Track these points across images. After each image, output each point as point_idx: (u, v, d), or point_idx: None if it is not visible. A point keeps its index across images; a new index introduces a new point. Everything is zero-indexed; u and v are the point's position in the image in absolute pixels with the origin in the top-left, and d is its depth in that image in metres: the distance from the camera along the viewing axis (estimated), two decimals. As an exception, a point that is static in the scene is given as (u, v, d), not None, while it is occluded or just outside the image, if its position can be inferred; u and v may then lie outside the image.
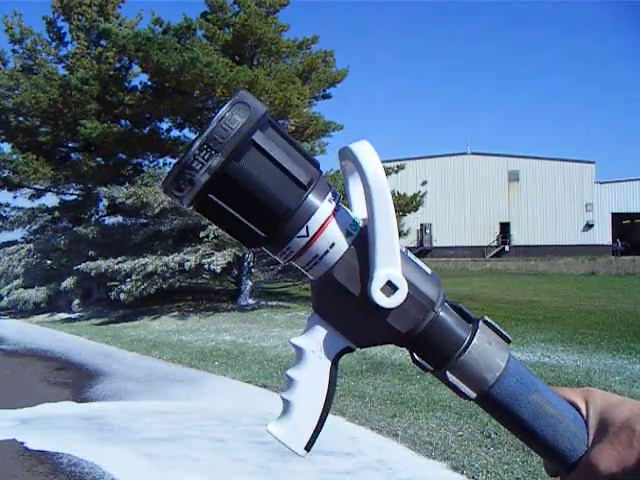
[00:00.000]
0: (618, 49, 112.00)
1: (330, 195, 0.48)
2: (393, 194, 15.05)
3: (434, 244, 38.72)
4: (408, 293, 0.46)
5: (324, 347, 0.48)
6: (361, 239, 0.47)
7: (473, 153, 39.91)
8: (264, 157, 0.44)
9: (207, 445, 4.87)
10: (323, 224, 0.47)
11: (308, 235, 0.46)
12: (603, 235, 37.36)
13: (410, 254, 0.49)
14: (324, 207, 0.47)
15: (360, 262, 0.47)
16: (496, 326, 0.50)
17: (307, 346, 0.48)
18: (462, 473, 4.00)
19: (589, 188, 37.91)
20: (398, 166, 16.05)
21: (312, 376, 0.48)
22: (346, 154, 0.48)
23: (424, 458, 4.37)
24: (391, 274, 0.46)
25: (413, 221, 27.00)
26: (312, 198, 0.46)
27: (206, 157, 0.43)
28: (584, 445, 0.47)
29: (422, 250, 38.56)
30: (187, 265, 13.07)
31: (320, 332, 0.48)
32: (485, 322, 0.50)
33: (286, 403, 0.48)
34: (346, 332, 0.48)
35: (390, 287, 0.46)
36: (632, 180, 38.36)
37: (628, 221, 40.30)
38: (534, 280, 22.23)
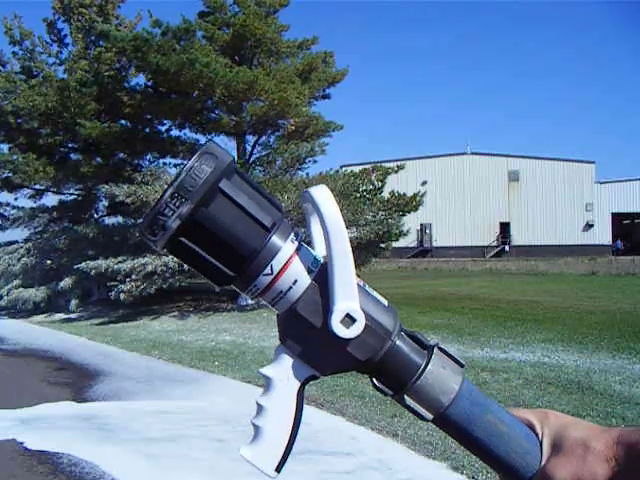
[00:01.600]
0: (618, 49, 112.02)
1: (292, 235, 0.52)
2: (393, 194, 15.06)
3: (434, 244, 38.72)
4: (366, 324, 0.50)
5: (291, 376, 0.52)
6: (322, 275, 0.51)
7: (473, 153, 39.92)
8: (230, 203, 0.48)
9: (207, 445, 4.87)
10: (286, 262, 0.50)
11: (272, 273, 0.50)
12: (603, 235, 37.36)
13: (368, 287, 0.53)
14: (287, 247, 0.50)
15: (321, 297, 0.50)
16: (449, 352, 0.54)
17: (275, 375, 0.52)
18: (462, 473, 4.00)
19: (589, 188, 37.92)
20: (398, 166, 16.03)
21: (280, 403, 0.52)
22: (306, 197, 0.52)
23: (424, 458, 4.37)
24: (350, 307, 0.49)
25: (413, 221, 27.00)
26: (275, 239, 0.50)
27: (177, 204, 0.46)
28: (537, 462, 0.50)
29: (422, 250, 38.56)
30: (186, 265, 13.06)
31: (287, 361, 0.52)
32: (439, 349, 0.54)
33: (257, 428, 0.52)
34: (311, 361, 0.52)
35: (349, 319, 0.49)
36: (632, 180, 38.36)
37: (628, 221, 40.30)
38: (534, 280, 22.22)
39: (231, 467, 4.36)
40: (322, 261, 0.52)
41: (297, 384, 0.52)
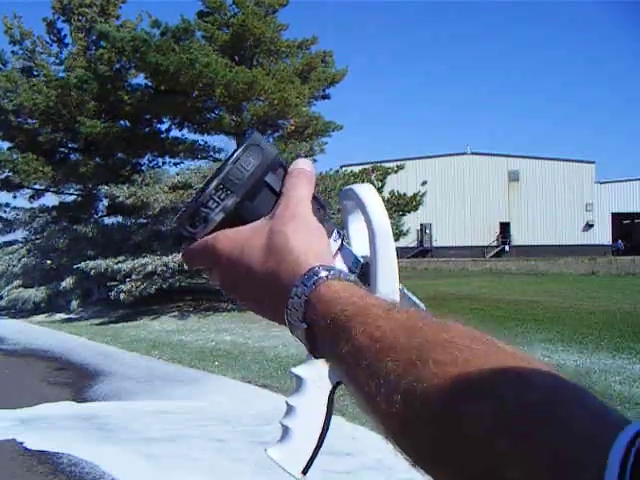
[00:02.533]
0: (619, 48, 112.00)
1: (335, 234, 0.50)
2: (393, 194, 15.05)
3: (434, 244, 38.72)
4: None
5: (324, 377, 0.50)
6: (362, 276, 0.49)
7: (473, 153, 39.93)
8: (275, 198, 0.48)
9: (207, 445, 4.87)
10: None
11: None
12: (603, 235, 37.37)
13: (407, 291, 0.52)
14: (330, 245, 0.49)
15: None
16: None
17: (308, 376, 0.51)
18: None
19: (589, 188, 37.92)
20: (398, 166, 16.04)
21: (311, 405, 0.50)
22: (349, 195, 0.51)
23: (424, 458, 4.36)
24: None
25: (413, 221, 26.99)
26: None
27: (222, 197, 0.46)
28: None
29: (422, 250, 38.56)
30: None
31: (320, 362, 0.50)
32: None
33: (285, 429, 0.50)
34: None
35: None
36: (632, 180, 38.37)
37: (628, 221, 40.30)
38: (534, 280, 22.22)
39: (231, 467, 4.36)
40: (362, 261, 0.51)
41: (329, 386, 0.51)
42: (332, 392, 0.51)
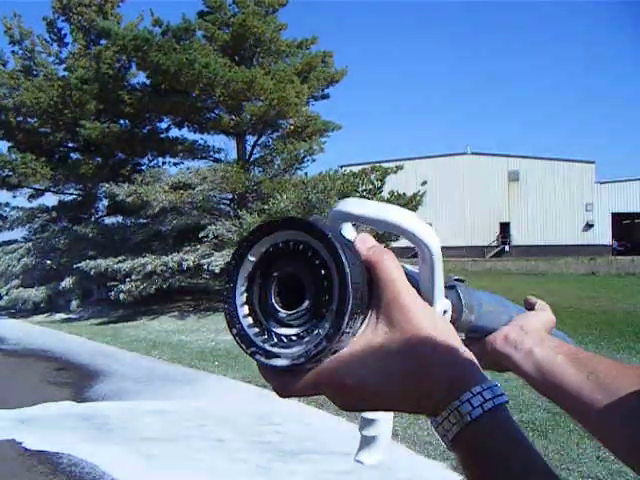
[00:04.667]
0: (618, 48, 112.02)
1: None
2: (392, 194, 15.05)
3: (434, 244, 38.65)
4: None
5: None
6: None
7: (473, 153, 39.91)
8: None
9: (207, 445, 4.87)
10: None
11: None
12: (603, 235, 37.33)
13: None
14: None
15: None
16: None
17: None
18: (462, 473, 3.99)
19: (589, 188, 37.89)
20: (397, 166, 16.04)
21: (388, 413, 0.56)
22: (390, 226, 0.46)
23: (424, 458, 4.37)
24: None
25: (413, 221, 26.86)
26: None
27: (351, 324, 0.40)
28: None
29: (422, 250, 38.46)
30: (186, 265, 13.08)
31: None
32: None
33: (371, 438, 0.57)
34: None
35: None
36: (632, 180, 38.33)
37: (628, 221, 40.29)
38: (534, 280, 22.23)
39: (231, 467, 4.36)
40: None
41: None
42: None
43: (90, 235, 15.66)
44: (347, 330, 0.39)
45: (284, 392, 0.41)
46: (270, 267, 0.41)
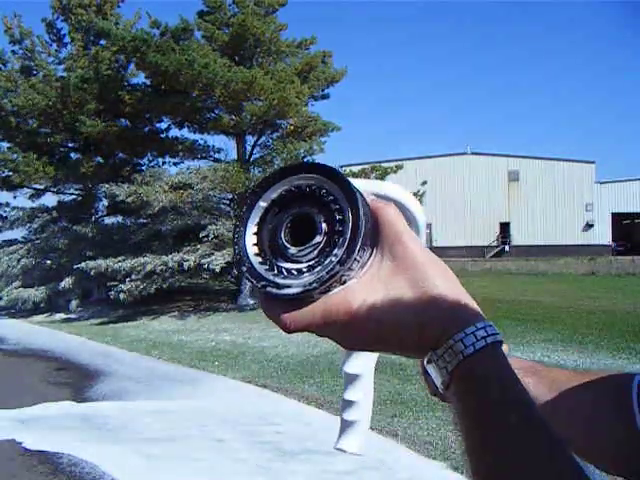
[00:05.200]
0: (619, 48, 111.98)
1: None
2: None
3: (434, 244, 38.69)
4: None
5: (372, 369, 0.56)
6: None
7: (473, 153, 39.90)
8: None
9: (207, 445, 4.87)
10: None
11: None
12: (603, 235, 37.32)
13: None
14: None
15: None
16: None
17: (361, 372, 0.56)
18: (462, 473, 4.00)
19: (589, 188, 37.88)
20: (397, 166, 16.04)
21: (368, 396, 0.57)
22: (381, 196, 0.50)
23: (424, 458, 4.37)
24: None
25: (413, 221, 26.87)
26: None
27: (361, 254, 0.43)
28: None
29: (422, 250, 38.43)
30: (186, 265, 13.08)
31: (368, 357, 0.56)
32: None
33: (350, 423, 0.58)
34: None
35: None
36: (632, 180, 38.32)
37: (628, 221, 40.29)
38: (534, 280, 22.23)
39: (231, 467, 4.36)
40: None
41: (372, 373, 0.57)
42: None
43: (90, 235, 15.67)
44: (357, 258, 0.41)
45: (292, 324, 0.42)
46: (280, 211, 0.44)
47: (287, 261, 0.42)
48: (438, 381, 0.43)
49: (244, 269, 0.43)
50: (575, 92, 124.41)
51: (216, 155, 16.51)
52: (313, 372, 7.33)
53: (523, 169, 38.83)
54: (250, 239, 0.44)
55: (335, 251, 0.41)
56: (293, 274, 0.42)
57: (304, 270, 0.41)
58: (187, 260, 13.13)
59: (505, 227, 38.83)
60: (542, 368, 0.66)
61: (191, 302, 15.53)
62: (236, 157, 15.81)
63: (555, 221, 37.95)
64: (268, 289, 0.41)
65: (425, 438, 4.69)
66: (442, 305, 0.42)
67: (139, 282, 13.57)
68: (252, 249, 0.43)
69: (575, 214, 37.98)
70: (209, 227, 13.48)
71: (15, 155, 16.03)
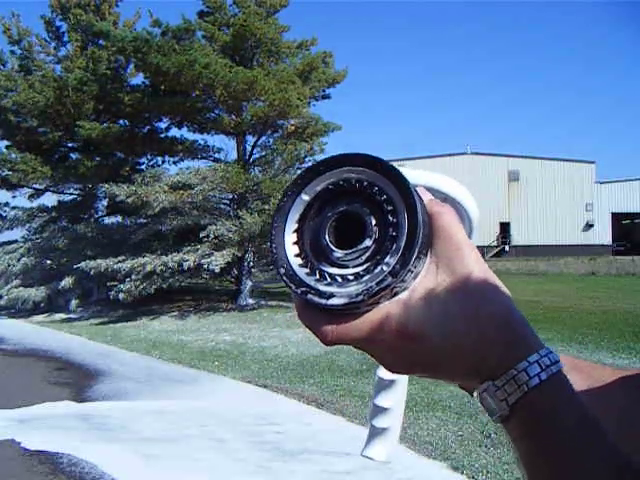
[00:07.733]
0: (619, 48, 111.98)
1: None
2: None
3: (434, 244, 38.65)
4: None
5: (406, 377, 0.56)
6: None
7: (473, 153, 39.91)
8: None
9: (207, 445, 4.87)
10: None
11: None
12: (603, 235, 37.32)
13: None
14: None
15: None
16: None
17: (398, 377, 0.55)
18: (462, 473, 4.00)
19: (589, 188, 37.89)
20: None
21: (402, 402, 0.56)
22: (435, 192, 0.49)
23: (424, 458, 4.37)
24: None
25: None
26: None
27: (416, 265, 0.39)
28: None
29: (422, 250, 38.45)
30: (186, 265, 13.08)
31: None
32: None
33: (382, 430, 0.55)
34: None
35: None
36: (632, 180, 38.32)
37: (628, 221, 40.28)
38: (534, 280, 22.23)
39: (231, 467, 4.35)
40: None
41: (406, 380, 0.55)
42: None
43: (90, 235, 15.66)
44: (412, 268, 0.36)
45: (333, 338, 0.38)
46: (324, 206, 0.39)
47: (331, 265, 0.38)
48: (494, 414, 0.39)
49: (282, 271, 0.38)
50: (575, 92, 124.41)
51: (216, 155, 16.51)
52: (313, 372, 7.33)
53: (523, 169, 38.84)
54: (290, 237, 0.39)
55: (387, 259, 0.36)
56: (337, 281, 0.37)
57: (350, 278, 0.37)
58: (187, 260, 13.13)
59: (505, 227, 38.84)
60: (585, 364, 0.59)
61: (191, 302, 15.53)
62: (236, 157, 15.81)
63: (555, 221, 37.95)
64: (309, 296, 0.37)
65: (425, 438, 4.69)
66: (503, 331, 0.38)
67: (139, 282, 13.57)
68: (292, 249, 0.39)
69: (575, 214, 37.98)
70: (209, 227, 13.48)
71: (13, 155, 16.02)
